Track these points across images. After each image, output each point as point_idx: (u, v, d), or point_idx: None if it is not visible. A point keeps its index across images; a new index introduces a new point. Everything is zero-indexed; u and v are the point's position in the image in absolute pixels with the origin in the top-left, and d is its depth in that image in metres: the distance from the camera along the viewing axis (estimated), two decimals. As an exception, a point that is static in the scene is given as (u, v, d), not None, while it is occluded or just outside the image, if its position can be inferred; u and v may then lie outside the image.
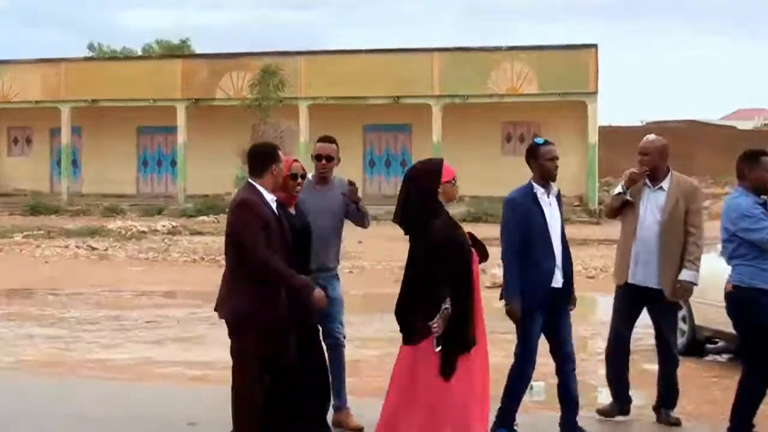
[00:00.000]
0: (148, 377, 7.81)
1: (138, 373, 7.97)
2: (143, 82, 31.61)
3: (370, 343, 9.03)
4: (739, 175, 5.64)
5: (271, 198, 5.01)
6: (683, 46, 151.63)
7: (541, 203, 5.50)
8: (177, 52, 40.60)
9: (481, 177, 27.88)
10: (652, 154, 6.10)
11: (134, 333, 10.13)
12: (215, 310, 5.09)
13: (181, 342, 9.63)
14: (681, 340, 8.49)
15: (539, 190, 5.55)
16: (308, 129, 29.80)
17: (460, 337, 4.71)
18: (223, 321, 5.06)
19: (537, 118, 29.83)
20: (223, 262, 5.12)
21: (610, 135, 35.50)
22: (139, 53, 45.03)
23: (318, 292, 4.98)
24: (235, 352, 4.96)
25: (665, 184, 6.05)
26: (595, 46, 29.10)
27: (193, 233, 23.14)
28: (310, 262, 5.50)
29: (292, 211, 5.41)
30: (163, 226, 23.87)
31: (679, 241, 5.95)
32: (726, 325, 7.81)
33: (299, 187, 5.41)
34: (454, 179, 4.89)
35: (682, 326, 8.49)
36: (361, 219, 5.90)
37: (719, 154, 39.03)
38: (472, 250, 4.86)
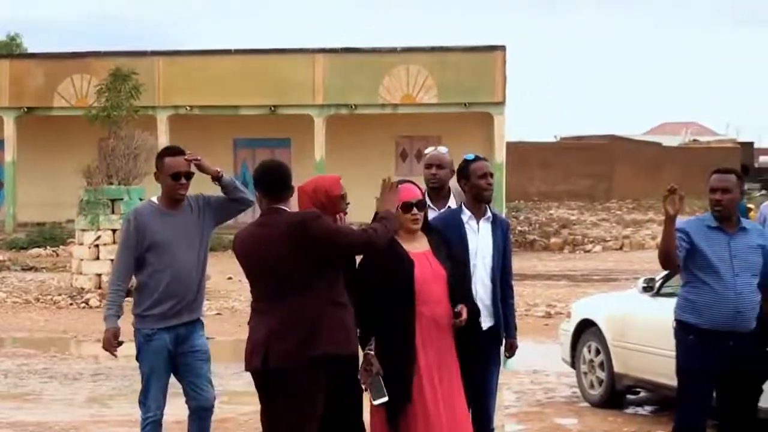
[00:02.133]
0: (-32, 446, 7.54)
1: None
2: (-39, 87, 30.64)
3: (240, 397, 8.96)
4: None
5: None
6: (606, 50, 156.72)
7: (467, 230, 5.58)
8: (4, 50, 39.46)
9: (373, 199, 27.98)
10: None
11: (-50, 392, 9.76)
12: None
13: (10, 399, 9.35)
14: (598, 390, 8.77)
15: (466, 215, 5.64)
16: (169, 144, 29.39)
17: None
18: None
19: (436, 132, 30.20)
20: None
21: (520, 152, 36.30)
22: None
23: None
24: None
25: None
26: (502, 48, 29.66)
27: (25, 269, 22.54)
28: (171, 307, 5.48)
29: None
30: (-14, 260, 23.21)
31: None
32: (648, 372, 8.13)
33: (347, 209, 5.39)
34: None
35: (600, 374, 8.75)
36: (238, 194, 5.75)
37: (642, 174, 40.40)
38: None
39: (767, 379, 6.05)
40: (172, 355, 5.64)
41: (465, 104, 29.30)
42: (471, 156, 5.83)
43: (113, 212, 17.69)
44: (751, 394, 5.94)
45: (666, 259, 5.69)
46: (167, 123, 30.04)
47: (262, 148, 31.64)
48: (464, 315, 5.12)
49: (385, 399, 4.90)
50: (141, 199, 18.56)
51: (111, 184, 18.58)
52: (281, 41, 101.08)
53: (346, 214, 5.36)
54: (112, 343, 5.63)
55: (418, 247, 5.17)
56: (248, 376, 5.11)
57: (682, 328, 5.79)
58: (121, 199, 17.81)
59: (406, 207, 5.20)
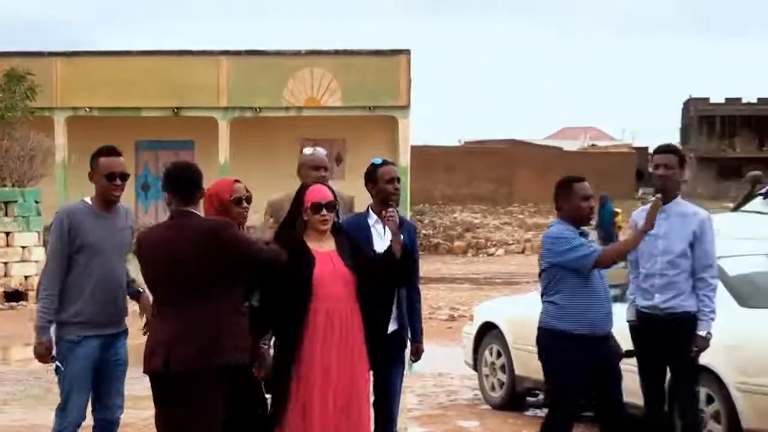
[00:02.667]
0: None
1: None
2: None
3: (142, 402, 8.87)
4: (558, 207, 6.03)
5: None
6: (510, 57, 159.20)
7: (373, 234, 5.59)
8: None
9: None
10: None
11: None
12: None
13: None
14: (500, 393, 8.86)
15: (372, 218, 5.65)
16: (66, 146, 28.80)
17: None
18: None
19: (341, 135, 30.26)
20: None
21: (425, 156, 36.58)
22: None
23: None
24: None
25: None
26: (407, 52, 29.83)
27: None
28: (99, 312, 5.40)
29: None
30: None
31: None
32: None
33: (246, 213, 5.25)
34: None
35: (501, 377, 8.85)
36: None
37: (543, 178, 41.10)
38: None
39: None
40: (97, 363, 5.47)
41: (369, 107, 29.38)
42: (378, 160, 5.85)
43: (6, 215, 17.25)
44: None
45: (616, 261, 5.98)
46: (65, 125, 29.41)
47: (164, 150, 31.20)
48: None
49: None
50: (37, 202, 18.16)
51: (5, 186, 18.11)
52: (185, 44, 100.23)
53: (245, 219, 5.29)
54: (46, 358, 5.40)
55: (324, 246, 5.17)
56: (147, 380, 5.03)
57: (554, 336, 5.91)
58: (15, 201, 17.38)
59: (316, 208, 5.18)
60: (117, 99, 29.11)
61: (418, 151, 34.68)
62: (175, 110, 29.57)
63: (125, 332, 5.65)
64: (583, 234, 5.94)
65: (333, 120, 30.13)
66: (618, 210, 27.08)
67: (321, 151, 6.23)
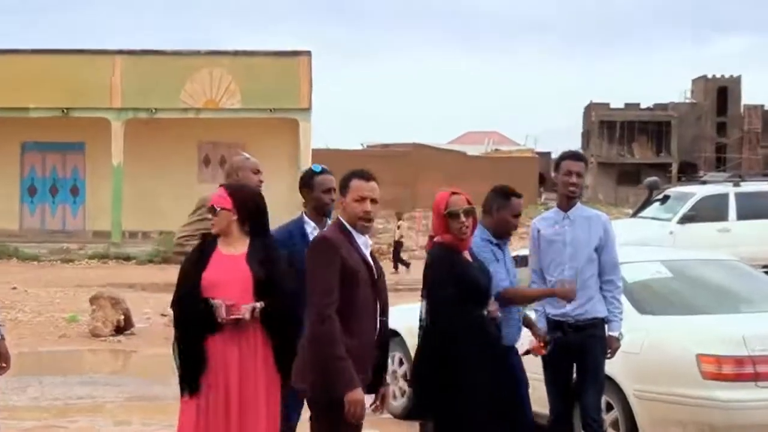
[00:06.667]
0: None
1: None
2: None
3: (23, 413, 8.78)
4: (485, 210, 6.09)
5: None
6: (413, 59, 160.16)
7: (309, 241, 5.54)
8: None
9: (175, 208, 27.59)
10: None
11: None
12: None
13: None
14: (401, 401, 8.90)
15: (310, 225, 5.64)
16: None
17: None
18: None
19: (241, 138, 29.99)
20: None
21: (327, 159, 36.57)
22: None
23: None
24: None
25: None
26: (308, 53, 29.86)
27: None
28: None
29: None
30: None
31: None
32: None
33: (466, 229, 5.30)
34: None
35: (403, 385, 8.88)
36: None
37: (446, 183, 41.45)
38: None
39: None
40: None
41: (270, 110, 29.29)
42: (318, 168, 5.89)
43: None
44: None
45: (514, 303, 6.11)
46: (-52, 124, 28.61)
47: (53, 152, 30.60)
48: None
49: None
50: None
51: None
52: (79, 43, 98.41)
53: (465, 235, 5.39)
54: None
55: (232, 250, 5.20)
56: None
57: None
58: None
59: (209, 210, 5.27)
60: (3, 98, 28.39)
61: (319, 155, 34.65)
62: (65, 110, 28.94)
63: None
64: (499, 246, 6.04)
65: (232, 122, 29.94)
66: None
67: (252, 157, 6.30)
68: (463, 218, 5.26)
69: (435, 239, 5.42)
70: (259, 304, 5.10)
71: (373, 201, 4.92)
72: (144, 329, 14.40)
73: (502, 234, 6.07)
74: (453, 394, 5.15)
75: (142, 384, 10.54)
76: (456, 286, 5.22)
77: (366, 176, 4.94)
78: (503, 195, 6.09)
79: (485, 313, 5.31)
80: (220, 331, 5.08)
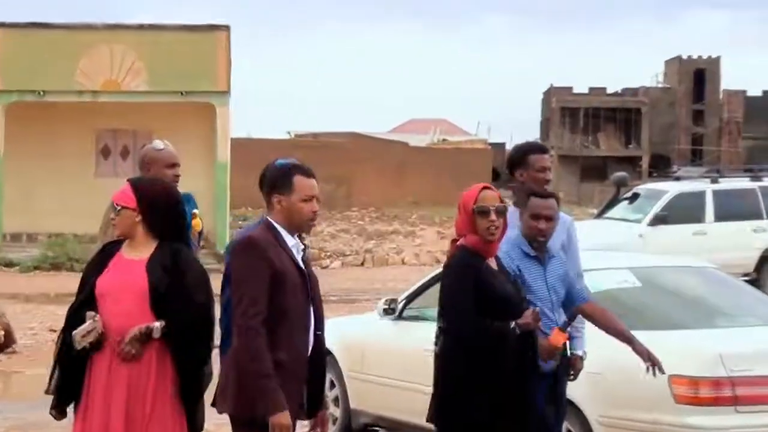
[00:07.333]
0: None
1: None
2: None
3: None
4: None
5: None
6: (350, 36, 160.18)
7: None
8: None
9: (66, 207, 27.31)
10: None
11: None
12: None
13: None
14: (332, 429, 8.91)
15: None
16: None
17: None
18: None
19: (147, 126, 29.72)
20: None
21: (248, 150, 36.42)
22: None
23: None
24: None
25: None
26: (226, 28, 29.68)
27: None
28: None
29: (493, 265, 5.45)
30: None
31: None
32: (388, 408, 8.33)
33: (495, 229, 5.32)
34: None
35: (334, 411, 8.90)
36: None
37: (386, 177, 41.57)
38: None
39: None
40: None
41: (182, 93, 29.07)
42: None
43: None
44: None
45: None
46: None
47: None
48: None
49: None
50: None
51: None
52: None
53: (492, 236, 5.43)
54: None
55: (135, 255, 5.16)
56: None
57: None
58: None
59: (111, 209, 5.28)
60: None
61: (239, 144, 34.52)
62: (-65, 92, 28.45)
63: None
64: (537, 258, 5.99)
65: (137, 107, 29.69)
66: (196, 211, 27.46)
67: (169, 145, 6.22)
68: (493, 216, 5.33)
69: (458, 242, 5.46)
70: (159, 324, 5.03)
71: (317, 200, 4.98)
72: (29, 346, 14.25)
73: (528, 241, 5.96)
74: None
75: (25, 409, 10.41)
76: (480, 297, 5.29)
77: (309, 172, 4.97)
78: (525, 192, 6.06)
79: (512, 326, 5.33)
80: (106, 347, 5.03)
